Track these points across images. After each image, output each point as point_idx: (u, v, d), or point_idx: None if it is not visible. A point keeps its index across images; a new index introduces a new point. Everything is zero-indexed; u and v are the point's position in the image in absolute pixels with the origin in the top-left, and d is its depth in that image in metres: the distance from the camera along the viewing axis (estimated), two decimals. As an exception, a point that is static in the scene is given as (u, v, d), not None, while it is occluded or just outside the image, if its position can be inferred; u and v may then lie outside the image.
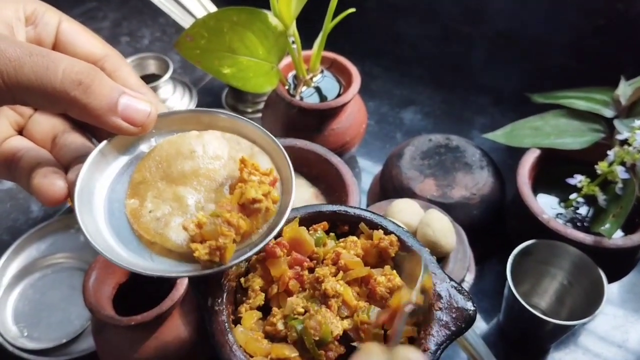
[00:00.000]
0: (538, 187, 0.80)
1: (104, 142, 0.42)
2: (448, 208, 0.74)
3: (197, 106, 1.05)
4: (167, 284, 0.57)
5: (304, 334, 0.41)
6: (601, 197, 0.72)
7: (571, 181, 0.74)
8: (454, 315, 0.43)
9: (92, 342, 0.70)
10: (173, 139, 0.45)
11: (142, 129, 0.41)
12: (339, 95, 0.84)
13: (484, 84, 1.11)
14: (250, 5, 0.71)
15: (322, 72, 0.86)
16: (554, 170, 0.80)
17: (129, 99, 0.40)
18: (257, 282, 0.45)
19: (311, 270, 0.46)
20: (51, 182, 0.39)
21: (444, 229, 0.63)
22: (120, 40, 1.22)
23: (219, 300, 0.44)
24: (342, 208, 0.51)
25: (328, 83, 0.86)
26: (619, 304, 0.80)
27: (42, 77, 0.35)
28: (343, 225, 0.51)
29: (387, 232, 0.48)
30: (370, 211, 0.50)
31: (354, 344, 0.42)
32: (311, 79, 0.84)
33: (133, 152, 0.45)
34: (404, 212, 0.66)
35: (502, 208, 0.80)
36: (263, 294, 0.45)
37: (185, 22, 0.88)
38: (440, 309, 0.43)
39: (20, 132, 0.44)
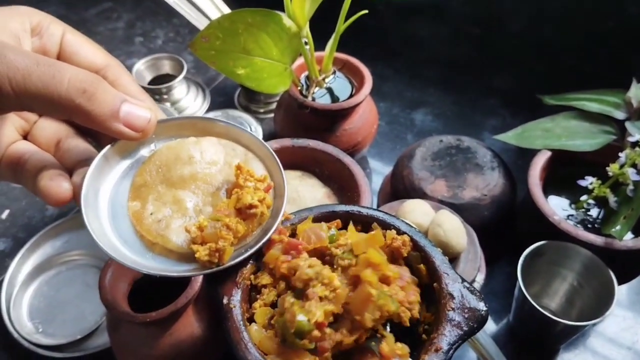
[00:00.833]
0: (549, 188, 0.80)
1: (107, 147, 0.44)
2: (459, 209, 0.74)
3: (210, 106, 1.07)
4: (182, 282, 0.58)
5: (284, 329, 0.41)
6: (612, 199, 0.73)
7: (582, 183, 0.75)
8: (466, 316, 0.43)
9: (106, 338, 0.71)
10: (172, 145, 0.47)
11: (143, 134, 0.43)
12: (350, 96, 0.84)
13: (495, 86, 1.11)
14: (264, 7, 0.72)
15: (334, 73, 0.87)
16: (565, 172, 0.80)
17: (130, 106, 0.42)
18: (265, 279, 0.46)
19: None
20: (57, 184, 0.41)
21: (455, 230, 0.63)
22: (135, 41, 1.23)
23: (234, 299, 0.45)
24: (355, 208, 0.51)
25: (340, 84, 0.87)
26: (629, 305, 0.80)
27: (48, 85, 0.37)
28: (356, 225, 0.51)
29: (399, 232, 0.48)
30: (382, 211, 0.51)
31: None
32: (323, 79, 0.85)
33: (134, 157, 0.47)
34: (415, 212, 0.66)
35: (512, 209, 0.81)
36: (275, 290, 0.45)
37: (199, 22, 0.89)
38: (453, 309, 0.43)
39: (25, 137, 0.46)
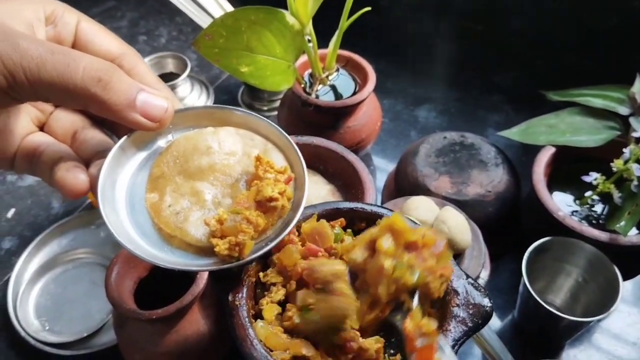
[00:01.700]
0: (553, 184, 0.80)
1: (124, 138, 0.44)
2: (463, 205, 0.74)
3: (213, 104, 1.07)
4: (187, 278, 0.58)
5: (320, 322, 0.41)
6: (616, 195, 0.73)
7: (586, 179, 0.74)
8: (470, 312, 0.43)
9: (113, 336, 0.71)
10: (190, 135, 0.46)
11: (160, 124, 0.42)
12: (354, 93, 0.85)
13: (499, 82, 1.11)
14: (267, 5, 0.72)
15: (337, 70, 0.87)
16: (569, 168, 0.80)
17: (147, 95, 0.41)
18: (274, 278, 0.46)
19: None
20: (74, 176, 0.41)
21: (459, 226, 0.64)
22: (138, 39, 1.23)
23: (240, 296, 0.45)
24: (359, 205, 0.51)
25: (343, 81, 0.87)
26: (634, 301, 0.80)
27: (63, 75, 0.36)
28: (360, 222, 0.52)
29: (404, 229, 0.48)
30: (387, 208, 0.51)
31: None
32: (327, 77, 0.85)
33: (151, 147, 0.46)
34: (420, 209, 0.66)
35: (517, 205, 0.81)
36: (284, 289, 0.46)
37: (202, 21, 0.89)
38: (457, 305, 0.44)
39: (42, 128, 0.46)
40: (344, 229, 0.51)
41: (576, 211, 0.77)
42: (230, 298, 0.45)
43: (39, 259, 0.83)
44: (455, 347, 0.42)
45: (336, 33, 0.80)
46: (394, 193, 0.84)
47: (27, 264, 0.82)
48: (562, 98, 0.85)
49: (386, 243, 0.39)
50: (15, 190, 0.94)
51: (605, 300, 0.67)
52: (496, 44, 1.10)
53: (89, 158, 0.43)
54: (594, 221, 0.76)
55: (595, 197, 0.76)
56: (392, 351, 0.46)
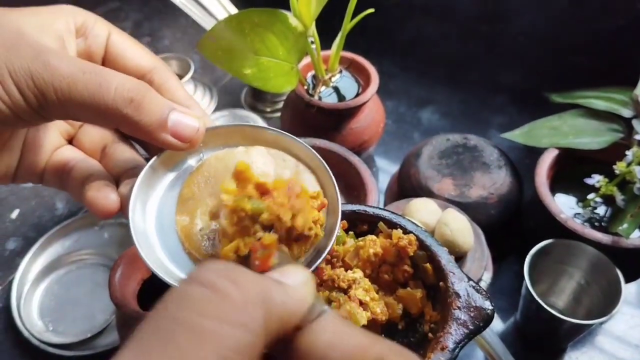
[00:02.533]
0: (556, 186, 0.80)
1: (155, 158, 0.42)
2: (466, 207, 0.74)
3: (217, 105, 1.07)
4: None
5: None
6: (619, 197, 0.72)
7: (589, 181, 0.74)
8: (472, 314, 0.43)
9: (116, 337, 0.72)
10: (220, 155, 0.45)
11: (191, 144, 0.41)
12: (357, 95, 0.85)
13: (502, 84, 1.11)
14: (270, 6, 0.72)
15: (340, 72, 0.87)
16: (572, 170, 0.80)
17: (179, 115, 0.40)
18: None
19: (327, 262, 0.47)
20: (105, 196, 0.40)
21: (461, 229, 0.64)
22: (142, 41, 1.22)
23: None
24: (361, 207, 0.51)
25: (346, 83, 0.87)
26: (636, 304, 0.80)
27: (95, 95, 0.35)
28: (362, 225, 0.52)
29: (406, 231, 0.48)
30: (389, 210, 0.51)
31: None
32: (330, 78, 0.85)
33: (181, 167, 0.45)
34: (422, 211, 0.67)
35: (519, 208, 0.81)
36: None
37: (206, 22, 0.90)
38: (459, 307, 0.44)
39: (70, 141, 0.45)
40: (346, 231, 0.51)
41: (579, 213, 0.77)
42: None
43: (43, 259, 0.83)
44: (457, 350, 0.42)
45: (339, 35, 0.80)
46: (396, 195, 0.84)
47: (31, 265, 0.82)
48: (566, 100, 0.85)
49: (230, 184, 0.38)
50: (19, 191, 0.94)
51: (607, 302, 0.67)
52: (499, 45, 1.10)
53: (119, 175, 0.43)
54: (596, 224, 0.76)
55: (598, 199, 0.76)
56: None
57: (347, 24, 0.78)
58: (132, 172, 0.42)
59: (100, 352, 0.72)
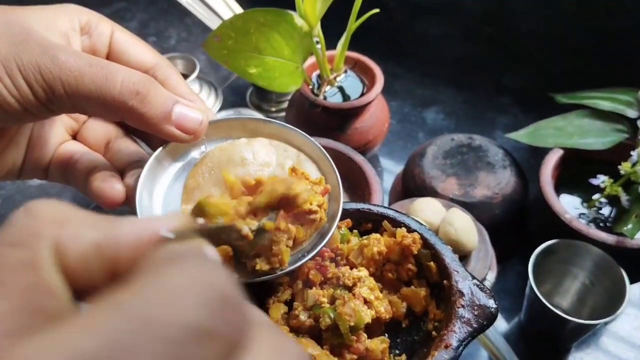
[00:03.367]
0: (561, 187, 0.80)
1: (159, 149, 0.43)
2: (470, 207, 0.74)
3: (222, 105, 1.07)
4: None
5: (338, 319, 0.42)
6: (624, 198, 0.72)
7: (594, 181, 0.74)
8: (476, 313, 0.43)
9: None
10: (224, 146, 0.46)
11: (194, 136, 0.42)
12: (362, 94, 0.85)
13: (507, 84, 1.11)
14: (276, 6, 0.72)
15: (345, 71, 0.87)
16: (576, 170, 0.80)
17: (183, 107, 0.41)
18: (280, 278, 0.46)
19: (332, 260, 0.47)
20: (111, 186, 0.41)
21: (466, 228, 0.64)
22: (148, 41, 1.23)
23: (245, 295, 0.45)
24: (365, 206, 0.52)
25: (351, 83, 0.87)
26: (642, 304, 0.80)
27: (101, 87, 0.36)
28: (366, 223, 0.52)
29: (410, 230, 0.49)
30: (393, 209, 0.51)
31: None
32: (335, 78, 0.86)
33: (185, 159, 0.46)
34: (426, 210, 0.67)
35: (524, 207, 0.81)
36: (290, 289, 0.46)
37: (211, 22, 0.90)
38: (463, 306, 0.44)
39: (74, 137, 0.46)
40: (351, 229, 0.51)
41: (583, 214, 0.77)
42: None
43: (48, 257, 0.84)
44: (460, 348, 0.42)
45: (344, 35, 0.81)
46: (401, 194, 0.84)
47: (37, 263, 0.82)
48: (571, 100, 0.85)
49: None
50: (25, 189, 0.95)
51: (612, 303, 0.67)
52: (505, 45, 1.10)
53: (123, 168, 0.43)
54: (601, 224, 0.76)
55: (603, 199, 0.76)
56: (397, 351, 0.46)
57: (352, 24, 0.78)
58: (136, 164, 0.43)
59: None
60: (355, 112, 0.82)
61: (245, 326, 0.19)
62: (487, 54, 1.13)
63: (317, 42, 0.80)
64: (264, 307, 0.46)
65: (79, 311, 0.19)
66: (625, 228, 0.70)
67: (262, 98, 1.07)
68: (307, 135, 0.47)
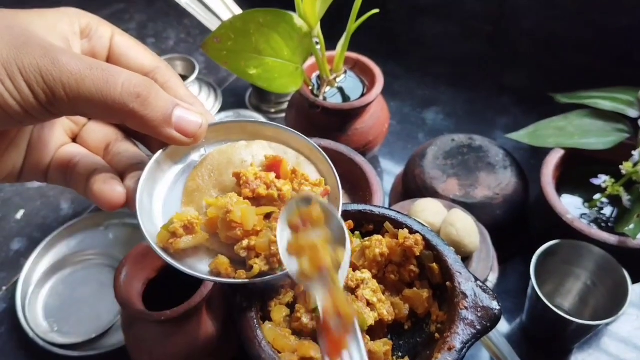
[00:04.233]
0: (562, 187, 0.80)
1: (159, 152, 0.43)
2: (471, 208, 0.74)
3: (221, 106, 1.07)
4: (196, 280, 0.58)
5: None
6: (625, 198, 0.72)
7: (595, 181, 0.74)
8: (479, 315, 0.43)
9: (121, 337, 0.72)
10: (223, 149, 0.46)
11: (194, 139, 0.42)
12: (362, 95, 0.85)
13: (507, 84, 1.11)
14: (275, 7, 0.72)
15: (345, 72, 0.87)
16: (578, 171, 0.80)
17: (182, 110, 0.41)
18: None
19: None
20: (111, 188, 0.41)
21: (467, 229, 0.63)
22: (147, 42, 1.24)
23: (248, 297, 0.45)
24: (367, 207, 0.51)
25: (351, 83, 0.87)
26: (644, 305, 0.80)
27: (102, 90, 0.36)
28: (368, 225, 0.52)
29: (412, 231, 0.48)
30: (395, 210, 0.51)
31: None
32: (335, 79, 0.85)
33: (185, 161, 0.46)
34: (427, 211, 0.66)
35: (525, 208, 0.80)
36: (292, 291, 0.46)
37: (210, 23, 0.89)
38: (466, 307, 0.43)
39: (74, 139, 0.46)
40: (352, 231, 0.51)
41: (585, 214, 0.77)
42: (238, 300, 0.45)
43: (48, 260, 0.83)
44: (463, 350, 0.42)
45: (344, 35, 0.80)
46: (401, 195, 0.84)
47: (36, 265, 0.82)
48: (571, 100, 0.85)
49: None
50: (24, 191, 0.95)
51: (614, 303, 0.67)
52: (504, 45, 1.10)
53: (123, 171, 0.43)
54: (602, 224, 0.75)
55: (604, 200, 0.75)
56: (400, 354, 0.46)
57: (352, 25, 0.78)
58: (136, 167, 0.43)
59: (106, 353, 0.72)
60: (356, 112, 0.82)
61: None
62: (487, 54, 1.12)
63: (317, 43, 0.80)
64: (266, 309, 0.46)
65: None
66: (627, 228, 0.69)
67: (262, 99, 1.07)
68: (305, 137, 0.47)
